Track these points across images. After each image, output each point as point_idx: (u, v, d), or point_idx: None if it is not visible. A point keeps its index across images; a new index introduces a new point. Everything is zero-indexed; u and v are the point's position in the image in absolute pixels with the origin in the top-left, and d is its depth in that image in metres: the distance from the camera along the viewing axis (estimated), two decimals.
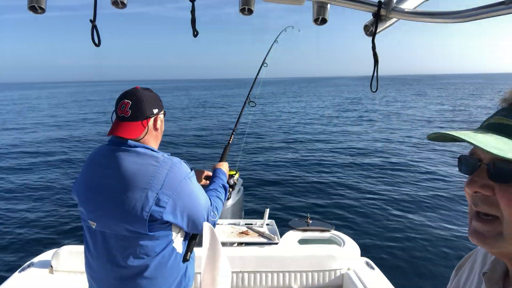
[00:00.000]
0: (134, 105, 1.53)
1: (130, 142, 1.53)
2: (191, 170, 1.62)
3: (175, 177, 1.49)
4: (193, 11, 1.04)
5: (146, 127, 1.56)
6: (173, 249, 1.56)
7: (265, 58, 2.92)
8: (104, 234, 1.53)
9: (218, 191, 1.79)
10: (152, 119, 1.59)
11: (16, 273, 2.47)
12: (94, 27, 0.98)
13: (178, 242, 1.59)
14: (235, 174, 2.19)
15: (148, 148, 1.55)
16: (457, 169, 0.72)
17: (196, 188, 1.57)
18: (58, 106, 36.70)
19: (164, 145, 12.32)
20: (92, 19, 0.96)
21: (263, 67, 2.90)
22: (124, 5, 1.00)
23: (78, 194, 1.60)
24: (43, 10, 0.94)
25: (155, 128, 1.62)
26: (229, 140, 2.48)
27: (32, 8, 0.93)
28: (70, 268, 2.50)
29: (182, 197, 1.50)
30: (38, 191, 7.88)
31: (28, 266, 2.56)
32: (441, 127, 17.61)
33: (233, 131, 2.57)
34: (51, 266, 2.54)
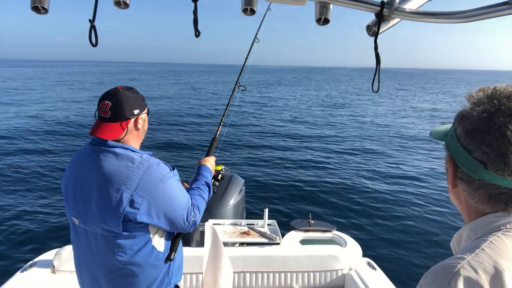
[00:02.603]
0: (113, 106, 1.53)
1: (109, 142, 1.53)
2: (172, 169, 1.61)
3: (151, 178, 1.49)
4: (195, 11, 1.04)
5: (126, 129, 1.56)
6: (153, 247, 1.57)
7: (257, 33, 2.63)
8: (86, 230, 1.56)
9: (201, 189, 1.78)
10: (132, 120, 1.59)
11: (18, 273, 2.47)
12: (92, 27, 0.97)
13: (157, 241, 1.59)
14: (221, 168, 2.13)
15: (128, 149, 1.55)
16: None
17: (173, 189, 1.56)
18: (59, 87, 35.69)
19: (150, 136, 12.29)
20: (92, 19, 0.96)
21: (255, 43, 2.64)
22: (127, 5, 1.00)
23: (63, 190, 1.63)
24: (46, 11, 0.94)
25: (136, 128, 1.61)
26: (217, 132, 2.35)
27: (35, 9, 0.93)
28: (72, 268, 2.49)
29: (158, 199, 1.50)
30: (39, 189, 7.89)
31: (30, 266, 2.57)
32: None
33: (221, 121, 2.44)
34: (53, 266, 2.54)
